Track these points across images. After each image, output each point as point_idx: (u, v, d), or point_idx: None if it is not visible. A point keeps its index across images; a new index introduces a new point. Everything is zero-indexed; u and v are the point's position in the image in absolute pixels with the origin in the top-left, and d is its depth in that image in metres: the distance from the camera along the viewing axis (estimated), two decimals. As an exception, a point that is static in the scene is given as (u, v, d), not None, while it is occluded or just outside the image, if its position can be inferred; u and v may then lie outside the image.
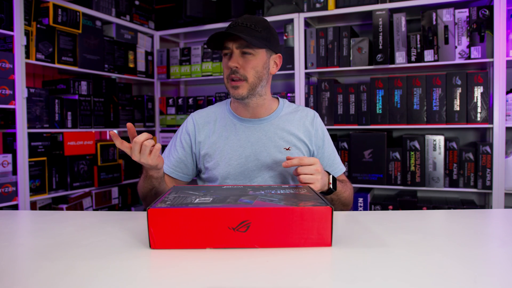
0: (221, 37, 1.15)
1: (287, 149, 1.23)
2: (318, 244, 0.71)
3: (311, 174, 1.04)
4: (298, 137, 1.25)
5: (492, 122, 1.96)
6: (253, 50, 1.16)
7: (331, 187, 1.12)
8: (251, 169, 1.22)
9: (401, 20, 2.09)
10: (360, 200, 2.18)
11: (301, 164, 1.05)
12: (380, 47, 2.11)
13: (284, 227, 0.71)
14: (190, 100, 2.68)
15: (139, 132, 1.02)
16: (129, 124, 1.02)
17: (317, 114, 1.31)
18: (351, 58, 2.22)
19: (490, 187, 1.97)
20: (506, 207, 2.00)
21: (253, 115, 1.25)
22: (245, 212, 0.70)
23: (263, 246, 0.71)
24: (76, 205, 2.21)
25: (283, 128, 1.25)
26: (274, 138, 1.24)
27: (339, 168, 1.32)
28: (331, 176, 1.12)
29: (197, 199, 0.77)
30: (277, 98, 1.33)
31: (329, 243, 0.71)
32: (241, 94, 1.17)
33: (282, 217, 0.70)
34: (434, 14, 2.03)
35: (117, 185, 2.48)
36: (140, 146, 1.00)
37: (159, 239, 0.70)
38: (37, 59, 1.98)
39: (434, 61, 2.05)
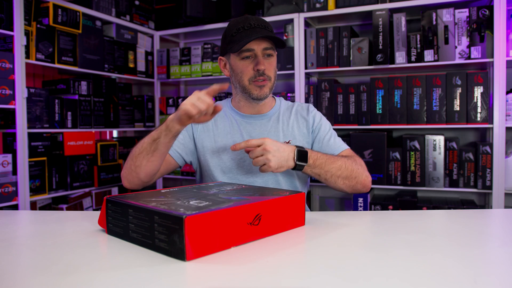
0: (246, 38, 1.15)
1: (287, 142, 1.24)
2: (298, 224, 0.85)
3: (261, 156, 1.03)
4: (297, 129, 1.28)
5: (492, 122, 1.96)
6: (274, 51, 1.22)
7: (296, 161, 1.06)
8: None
9: (401, 20, 2.09)
10: (360, 200, 2.18)
11: (248, 146, 1.04)
12: (380, 47, 2.11)
13: (284, 214, 0.81)
14: (190, 100, 2.68)
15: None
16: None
17: (312, 105, 1.35)
18: (351, 58, 2.22)
19: (490, 187, 1.96)
20: (506, 207, 2.00)
21: (256, 111, 1.29)
22: (259, 206, 0.75)
23: (269, 235, 0.78)
24: (76, 205, 2.21)
25: (283, 122, 1.29)
26: (275, 132, 1.26)
27: (337, 146, 1.27)
28: (296, 149, 1.07)
29: (197, 201, 0.76)
30: (273, 97, 1.37)
31: (303, 223, 0.87)
32: (266, 93, 1.22)
33: (284, 205, 0.81)
34: (434, 14, 2.03)
35: (117, 185, 2.48)
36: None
37: (194, 248, 0.65)
38: (37, 59, 1.98)
39: (434, 61, 2.04)
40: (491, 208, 1.97)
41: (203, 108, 0.97)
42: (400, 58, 2.10)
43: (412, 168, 2.11)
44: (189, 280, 0.59)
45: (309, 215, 0.95)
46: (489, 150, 1.96)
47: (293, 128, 1.28)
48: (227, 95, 2.57)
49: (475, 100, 2.00)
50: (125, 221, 0.75)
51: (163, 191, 0.87)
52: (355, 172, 1.15)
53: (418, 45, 2.08)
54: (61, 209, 2.14)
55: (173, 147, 1.25)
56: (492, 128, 1.96)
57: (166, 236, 0.66)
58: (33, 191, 1.97)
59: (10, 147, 1.91)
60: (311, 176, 1.13)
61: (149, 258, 0.66)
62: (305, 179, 1.31)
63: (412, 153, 2.11)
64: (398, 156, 2.14)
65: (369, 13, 2.19)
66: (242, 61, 1.20)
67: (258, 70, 1.18)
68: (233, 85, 1.29)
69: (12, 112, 1.90)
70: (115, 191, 2.47)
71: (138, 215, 0.72)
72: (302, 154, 1.07)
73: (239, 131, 1.27)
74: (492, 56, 1.94)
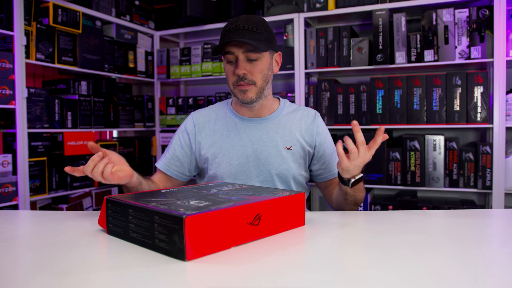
0: (225, 43, 1.14)
1: (288, 148, 1.23)
2: (298, 224, 0.85)
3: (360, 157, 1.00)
4: (299, 136, 1.25)
5: (492, 122, 1.96)
6: (259, 54, 1.15)
7: (352, 180, 1.06)
8: (252, 168, 1.22)
9: (401, 20, 2.09)
10: (360, 200, 2.18)
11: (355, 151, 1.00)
12: (380, 47, 2.11)
13: (284, 214, 0.81)
14: (190, 100, 2.68)
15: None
16: (90, 144, 0.98)
17: (318, 113, 1.30)
18: (351, 58, 2.22)
19: (490, 187, 1.96)
20: (506, 207, 2.00)
21: (255, 115, 1.26)
22: (259, 206, 0.75)
23: (269, 235, 0.78)
24: (76, 205, 2.21)
25: (285, 127, 1.25)
26: (275, 137, 1.23)
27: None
28: (360, 175, 1.07)
29: (197, 201, 0.76)
30: (278, 98, 1.33)
31: (303, 223, 0.87)
32: (250, 97, 1.17)
33: (284, 205, 0.81)
34: (434, 14, 2.03)
35: (117, 185, 2.48)
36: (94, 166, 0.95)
37: (194, 248, 0.65)
38: (37, 59, 1.98)
39: (434, 61, 2.05)
40: (491, 208, 1.97)
41: (91, 167, 0.94)
42: (400, 58, 2.10)
43: (412, 168, 2.11)
44: (189, 280, 0.59)
45: (309, 215, 0.95)
46: (489, 150, 1.96)
47: (295, 134, 1.24)
48: (227, 95, 2.57)
49: (475, 100, 2.00)
50: (125, 221, 0.75)
51: (163, 191, 0.87)
52: (362, 199, 1.18)
53: (418, 45, 2.08)
54: (61, 209, 2.14)
55: (173, 168, 1.27)
56: (492, 128, 1.96)
57: (166, 236, 0.66)
58: (33, 191, 1.97)
59: (10, 147, 1.91)
60: (343, 190, 1.12)
61: (149, 258, 0.66)
62: (303, 187, 1.30)
63: (412, 153, 2.11)
64: (398, 156, 2.14)
65: (369, 13, 2.19)
66: (227, 65, 1.18)
67: (238, 75, 1.15)
68: None
69: (12, 112, 1.90)
70: (115, 191, 2.47)
71: (138, 215, 0.72)
72: (360, 178, 1.08)
73: (238, 134, 1.24)
74: (492, 56, 1.94)
